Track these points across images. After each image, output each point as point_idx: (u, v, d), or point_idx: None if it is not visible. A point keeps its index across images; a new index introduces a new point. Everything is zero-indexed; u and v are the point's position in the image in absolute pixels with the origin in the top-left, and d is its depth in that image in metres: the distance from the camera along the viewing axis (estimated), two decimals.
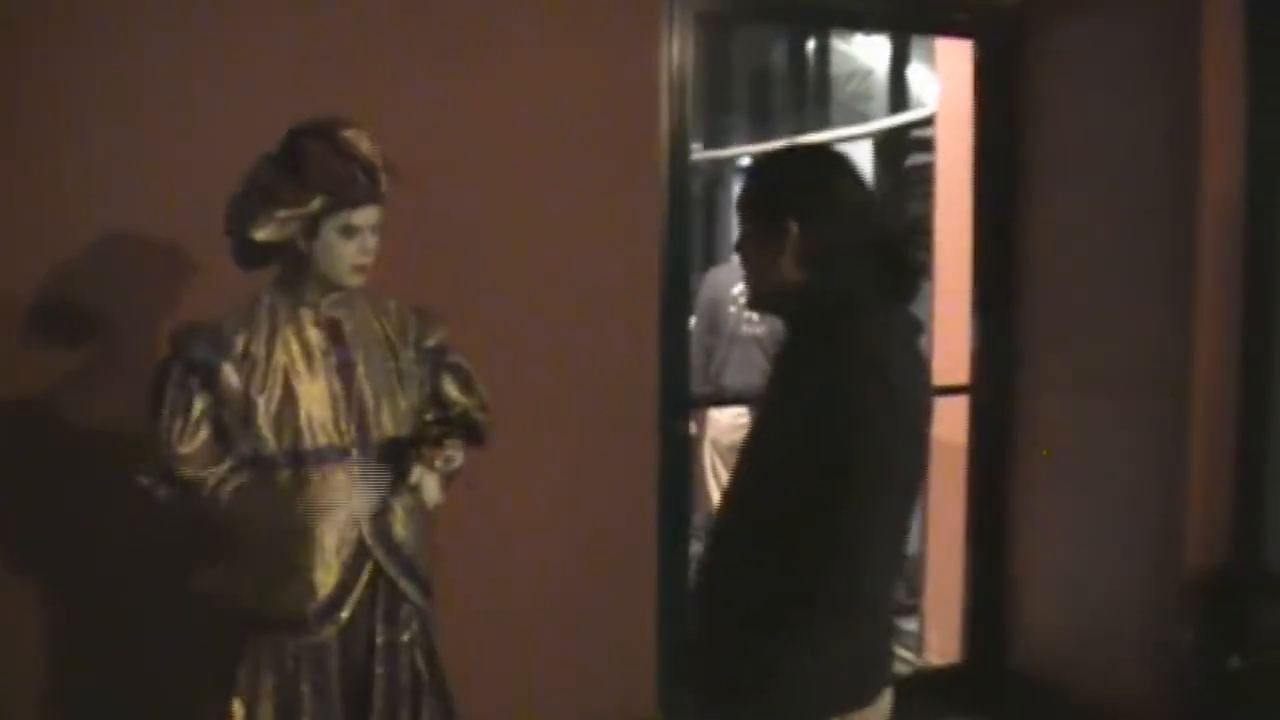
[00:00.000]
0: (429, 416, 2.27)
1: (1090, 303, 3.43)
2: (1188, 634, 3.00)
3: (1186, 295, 3.08)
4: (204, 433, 2.00)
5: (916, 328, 1.77)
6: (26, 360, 2.53)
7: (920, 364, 1.77)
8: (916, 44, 5.27)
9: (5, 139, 2.47)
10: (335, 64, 2.73)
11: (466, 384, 2.33)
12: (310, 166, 1.94)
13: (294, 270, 2.05)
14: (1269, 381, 3.11)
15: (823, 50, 6.78)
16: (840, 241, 1.67)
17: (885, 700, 1.74)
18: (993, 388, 3.77)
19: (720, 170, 7.01)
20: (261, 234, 1.95)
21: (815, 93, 6.88)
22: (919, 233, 1.70)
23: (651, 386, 3.20)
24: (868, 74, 6.95)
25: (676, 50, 3.18)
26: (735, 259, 2.43)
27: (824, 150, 1.85)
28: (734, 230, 1.81)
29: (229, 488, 2.02)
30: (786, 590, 1.55)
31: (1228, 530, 3.11)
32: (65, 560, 2.59)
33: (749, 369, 4.57)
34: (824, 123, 6.54)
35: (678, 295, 3.28)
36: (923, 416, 1.70)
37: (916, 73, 5.48)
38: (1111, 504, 3.33)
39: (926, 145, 4.53)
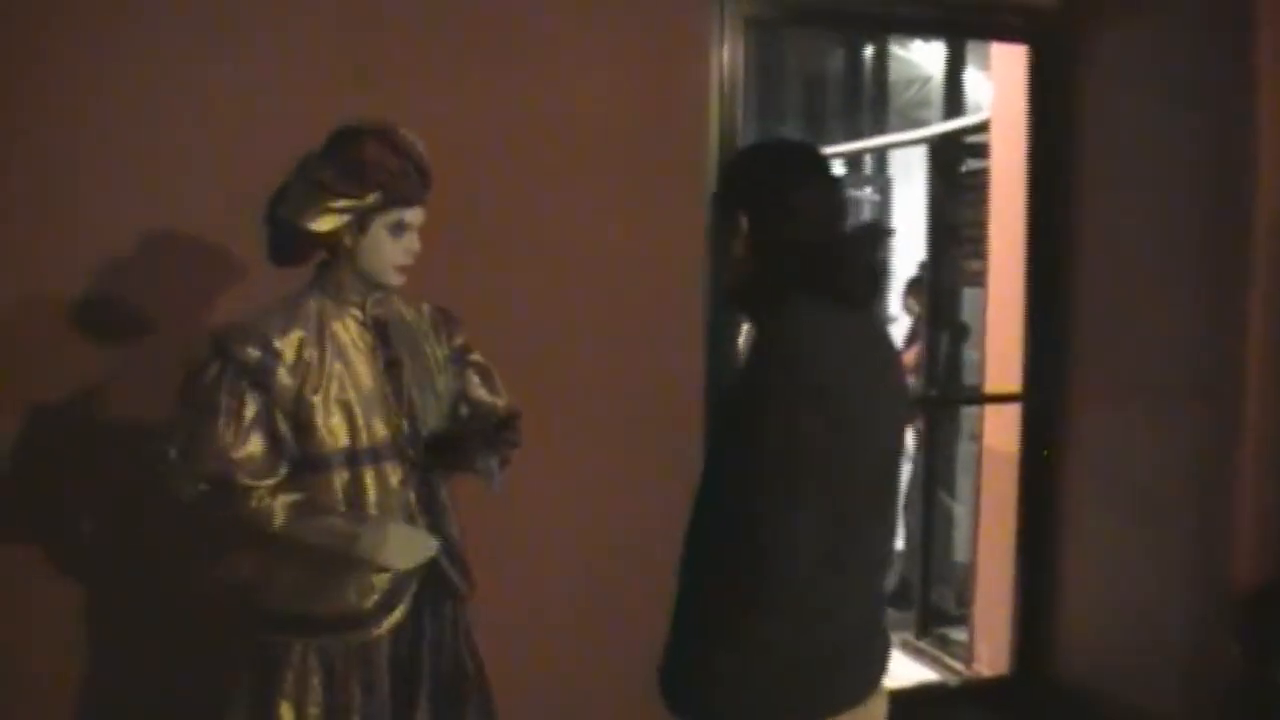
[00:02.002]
0: (464, 413, 2.29)
1: (1142, 309, 3.38)
2: (1236, 647, 2.95)
3: (1239, 302, 3.03)
4: (257, 437, 1.95)
5: (879, 333, 1.75)
6: (45, 360, 2.57)
7: (878, 368, 1.70)
8: (973, 49, 5.25)
9: (25, 140, 2.54)
10: (381, 70, 2.78)
11: (493, 385, 2.35)
12: (368, 161, 1.96)
13: (335, 268, 2.06)
14: None
15: (880, 57, 6.76)
16: (789, 239, 1.65)
17: (873, 707, 1.70)
18: (1043, 396, 3.73)
19: None
20: (315, 224, 1.96)
21: (872, 99, 6.87)
22: (879, 238, 1.68)
23: (697, 389, 3.21)
24: (926, 81, 6.93)
25: (726, 55, 3.20)
26: None
27: (790, 148, 1.81)
28: None
29: (284, 500, 1.97)
30: (721, 590, 1.54)
31: (1277, 541, 3.05)
32: (90, 561, 2.64)
33: None
34: (881, 128, 6.52)
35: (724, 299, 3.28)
36: (866, 416, 1.61)
37: (973, 78, 5.45)
38: (1160, 514, 3.27)
39: (981, 151, 4.50)
